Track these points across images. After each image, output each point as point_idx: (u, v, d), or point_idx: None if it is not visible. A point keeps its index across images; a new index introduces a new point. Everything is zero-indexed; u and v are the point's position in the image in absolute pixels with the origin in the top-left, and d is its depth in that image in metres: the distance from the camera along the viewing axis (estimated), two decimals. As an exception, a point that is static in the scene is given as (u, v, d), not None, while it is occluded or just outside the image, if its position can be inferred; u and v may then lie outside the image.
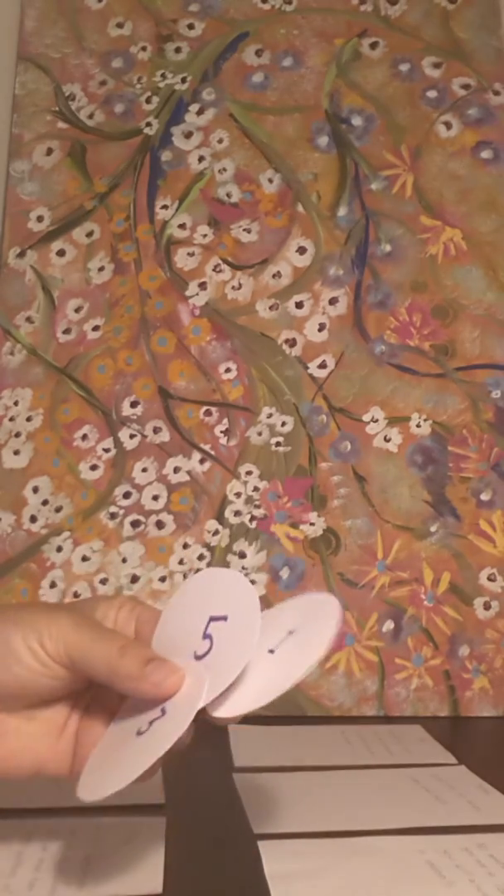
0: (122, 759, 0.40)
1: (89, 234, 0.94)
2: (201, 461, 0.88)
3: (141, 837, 0.49)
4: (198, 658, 0.41)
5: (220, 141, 0.96)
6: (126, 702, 0.43)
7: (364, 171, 0.95)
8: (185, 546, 0.86)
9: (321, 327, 0.91)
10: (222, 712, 0.41)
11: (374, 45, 0.98)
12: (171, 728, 0.40)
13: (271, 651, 0.42)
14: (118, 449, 0.89)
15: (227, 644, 0.41)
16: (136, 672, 0.40)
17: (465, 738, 0.77)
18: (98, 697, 0.44)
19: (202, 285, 0.92)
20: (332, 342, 0.91)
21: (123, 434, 0.89)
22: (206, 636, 0.42)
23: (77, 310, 0.92)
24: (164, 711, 0.41)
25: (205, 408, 0.90)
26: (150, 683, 0.40)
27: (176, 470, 0.88)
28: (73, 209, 0.95)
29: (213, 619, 0.42)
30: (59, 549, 0.86)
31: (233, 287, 0.92)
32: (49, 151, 0.96)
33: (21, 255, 0.93)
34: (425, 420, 0.89)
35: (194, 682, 0.41)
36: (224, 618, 0.42)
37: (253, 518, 0.87)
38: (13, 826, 0.50)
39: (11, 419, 0.89)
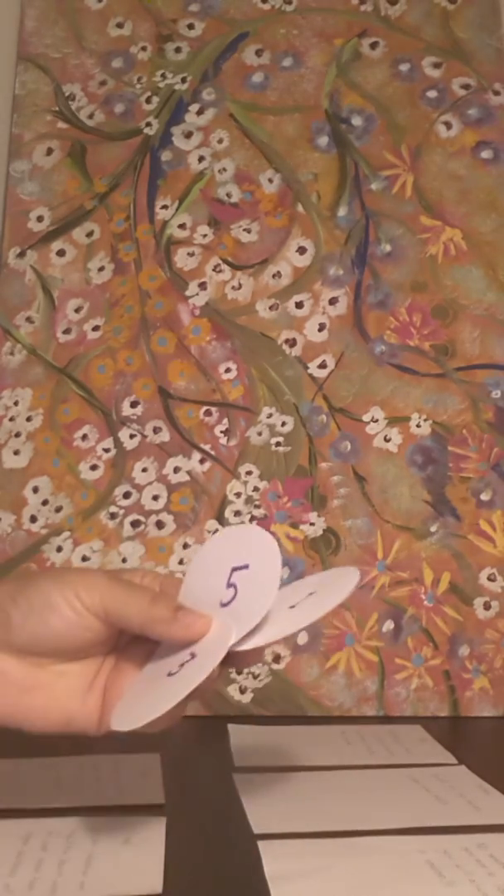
0: (154, 696, 0.43)
1: (89, 234, 0.94)
2: (201, 461, 0.88)
3: (141, 837, 0.49)
4: (223, 605, 0.44)
5: (220, 141, 0.96)
6: (157, 650, 0.46)
7: (364, 171, 0.95)
8: (185, 546, 0.86)
9: (321, 327, 0.91)
10: (245, 646, 0.43)
11: (374, 45, 0.98)
12: (201, 666, 0.43)
13: (292, 607, 0.45)
14: (118, 449, 0.89)
15: (251, 588, 0.44)
16: (167, 616, 0.44)
17: (465, 738, 0.77)
18: (126, 655, 0.47)
19: (202, 285, 0.92)
20: (332, 342, 0.91)
21: (123, 434, 0.89)
22: (230, 585, 0.45)
23: (77, 310, 0.92)
24: (193, 655, 0.44)
25: (205, 408, 0.90)
26: (181, 625, 0.44)
27: (176, 470, 0.88)
28: (73, 209, 0.95)
29: (235, 569, 0.45)
30: (59, 549, 0.86)
31: (233, 287, 0.92)
32: (49, 151, 0.96)
33: (21, 255, 0.93)
34: (425, 420, 0.89)
35: (222, 625, 0.44)
36: (246, 566, 0.45)
37: (253, 518, 0.87)
38: (13, 826, 0.50)
39: (11, 419, 0.89)
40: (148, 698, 0.43)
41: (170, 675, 0.43)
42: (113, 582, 0.45)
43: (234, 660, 0.44)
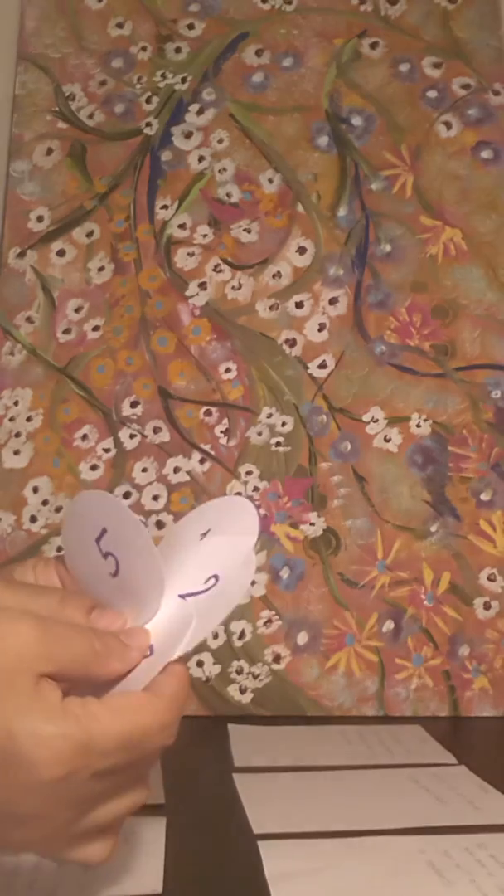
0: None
1: (89, 234, 0.94)
2: (201, 461, 0.88)
3: (141, 837, 0.49)
4: (113, 575, 0.42)
5: (220, 141, 0.96)
6: None
7: (364, 171, 0.95)
8: (185, 546, 0.86)
9: (321, 327, 0.91)
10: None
11: (374, 45, 0.98)
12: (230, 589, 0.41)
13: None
14: (118, 449, 0.89)
15: (124, 544, 0.42)
16: (81, 621, 0.40)
17: (465, 738, 0.77)
18: None
19: (202, 285, 0.92)
20: (332, 342, 0.91)
21: (123, 434, 0.89)
22: (106, 555, 0.42)
23: (77, 310, 0.92)
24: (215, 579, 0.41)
25: (205, 408, 0.90)
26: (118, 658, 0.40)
27: (176, 470, 0.88)
28: (73, 209, 0.95)
29: (98, 539, 0.42)
30: (60, 549, 0.86)
31: (233, 287, 0.92)
32: (49, 151, 0.96)
33: (21, 255, 0.93)
34: (425, 420, 0.89)
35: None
36: (104, 531, 0.42)
37: (253, 518, 0.86)
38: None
39: (11, 419, 0.89)
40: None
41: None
42: (12, 586, 0.41)
43: None
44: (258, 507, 0.87)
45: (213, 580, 0.42)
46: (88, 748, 0.34)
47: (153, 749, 0.37)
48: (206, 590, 0.42)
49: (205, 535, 0.44)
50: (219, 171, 0.95)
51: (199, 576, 0.42)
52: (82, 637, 0.38)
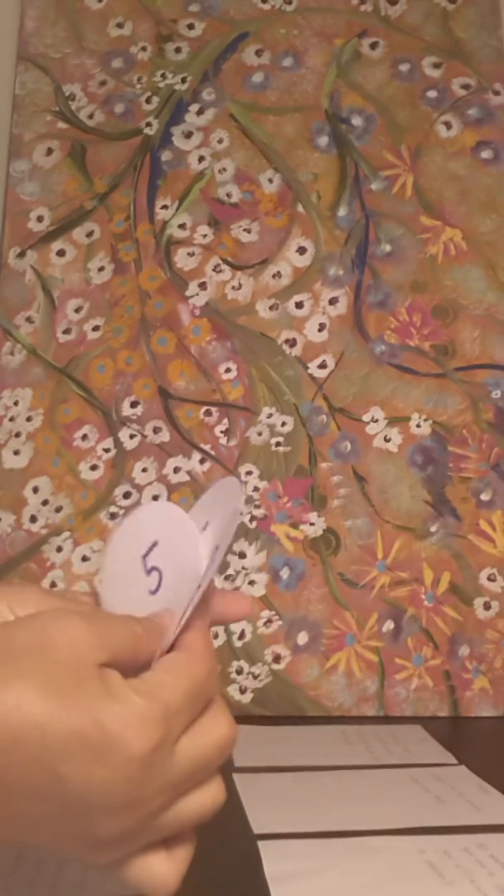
0: None
1: (89, 234, 0.94)
2: (201, 461, 0.88)
3: (141, 837, 0.49)
4: (153, 592, 0.42)
5: (220, 141, 0.96)
6: None
7: (364, 171, 0.95)
8: (185, 546, 0.86)
9: (321, 327, 0.91)
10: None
11: (374, 45, 0.98)
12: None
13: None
14: (118, 449, 0.89)
15: (174, 558, 0.42)
16: None
17: (465, 738, 0.77)
18: None
19: (202, 285, 0.92)
20: (332, 342, 0.91)
21: (123, 434, 0.89)
22: (151, 571, 0.42)
23: (77, 310, 0.92)
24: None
25: (205, 408, 0.90)
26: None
27: (176, 470, 0.88)
28: (73, 209, 0.95)
29: (145, 555, 0.42)
30: (60, 549, 0.86)
31: (233, 287, 0.92)
32: (49, 151, 0.96)
33: (21, 255, 0.93)
34: (425, 420, 0.89)
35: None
36: (155, 544, 0.42)
37: (253, 518, 0.87)
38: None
39: (11, 419, 0.89)
40: None
41: None
42: (51, 595, 0.43)
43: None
44: (258, 506, 0.87)
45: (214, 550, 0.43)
46: (167, 712, 0.36)
47: (212, 696, 0.38)
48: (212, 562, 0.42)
49: (205, 527, 0.44)
50: (219, 171, 0.95)
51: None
52: (124, 624, 0.40)
